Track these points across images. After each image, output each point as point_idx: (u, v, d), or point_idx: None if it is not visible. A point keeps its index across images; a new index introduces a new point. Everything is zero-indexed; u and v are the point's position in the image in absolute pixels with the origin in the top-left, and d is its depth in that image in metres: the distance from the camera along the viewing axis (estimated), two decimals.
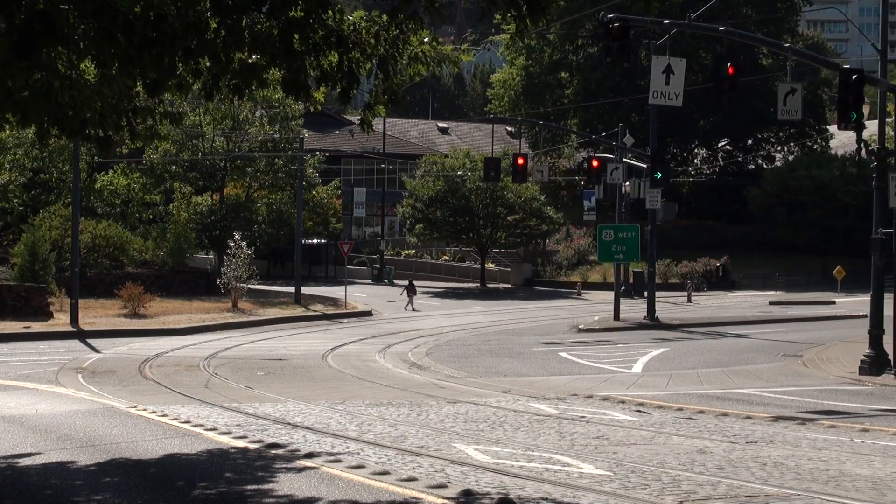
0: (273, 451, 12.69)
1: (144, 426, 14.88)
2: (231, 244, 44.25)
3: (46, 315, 37.10)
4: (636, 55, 67.99)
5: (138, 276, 45.04)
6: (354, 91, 11.92)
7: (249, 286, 44.49)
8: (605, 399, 18.74)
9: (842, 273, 54.66)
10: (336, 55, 11.56)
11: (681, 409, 17.32)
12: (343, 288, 49.09)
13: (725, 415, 16.57)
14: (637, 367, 25.73)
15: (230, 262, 43.84)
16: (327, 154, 66.70)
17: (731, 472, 11.38)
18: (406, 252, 72.55)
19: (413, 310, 47.20)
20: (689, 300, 52.57)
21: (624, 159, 45.02)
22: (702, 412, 16.95)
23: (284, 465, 11.72)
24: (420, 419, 15.78)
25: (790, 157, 77.12)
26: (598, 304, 49.45)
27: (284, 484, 10.71)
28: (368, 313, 45.01)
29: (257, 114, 57.21)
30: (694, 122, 77.52)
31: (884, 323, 24.22)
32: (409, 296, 48.78)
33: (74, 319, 35.03)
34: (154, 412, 16.28)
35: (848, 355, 26.46)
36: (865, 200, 45.04)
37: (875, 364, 23.59)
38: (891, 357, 23.73)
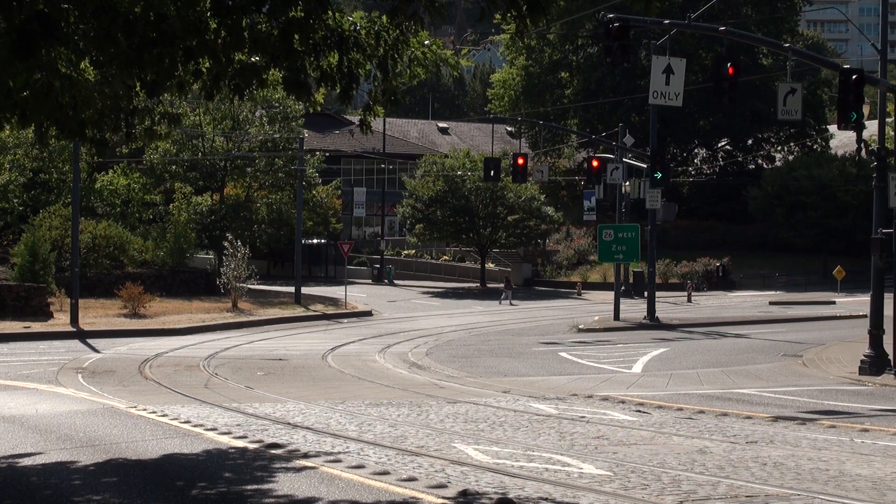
0: (273, 451, 12.69)
1: (144, 426, 14.88)
2: (226, 244, 44.19)
3: (46, 315, 37.10)
4: (636, 55, 68.08)
5: (138, 276, 45.05)
6: (354, 91, 11.92)
7: (249, 286, 44.48)
8: (605, 399, 18.74)
9: (842, 273, 54.68)
10: (336, 55, 11.56)
11: (681, 409, 17.32)
12: (343, 288, 49.10)
13: (725, 415, 16.57)
14: (637, 367, 25.72)
15: (229, 262, 43.83)
16: (327, 154, 66.71)
17: (731, 472, 11.38)
18: (406, 252, 72.54)
19: (511, 304, 51.22)
20: (689, 300, 52.59)
21: (624, 159, 45.05)
22: (702, 412, 16.95)
23: (284, 465, 11.72)
24: (420, 419, 15.78)
25: (790, 157, 77.11)
26: (598, 304, 49.46)
27: (284, 484, 10.71)
28: (368, 313, 45.01)
29: (257, 114, 57.22)
30: (694, 122, 77.55)
31: (884, 323, 24.22)
32: (506, 290, 53.41)
33: (74, 319, 35.02)
34: (154, 412, 16.28)
35: (848, 355, 26.47)
36: (865, 200, 45.20)
37: (875, 364, 23.59)
38: (891, 357, 23.74)
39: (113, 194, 57.30)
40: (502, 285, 56.48)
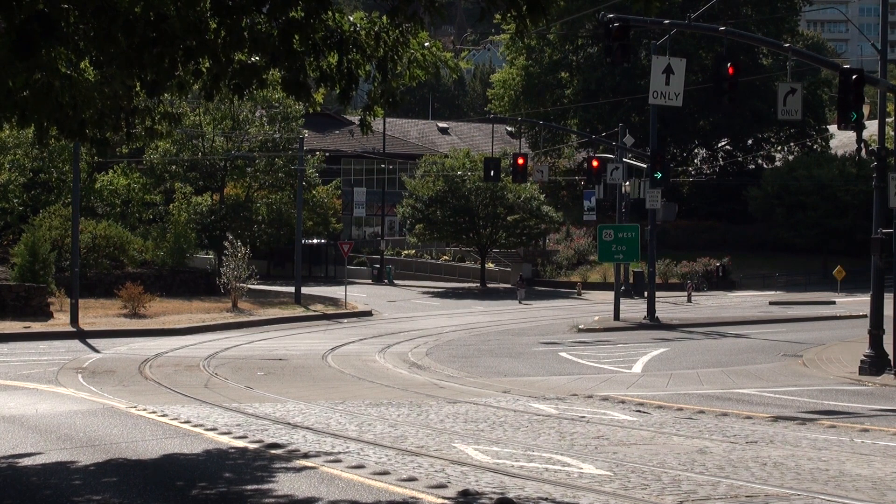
0: (273, 451, 12.69)
1: (144, 426, 14.88)
2: (226, 244, 44.19)
3: (46, 315, 37.10)
4: (636, 55, 68.08)
5: (138, 276, 45.04)
6: (353, 92, 11.92)
7: (249, 286, 44.47)
8: (605, 399, 18.74)
9: (842, 273, 54.68)
10: (336, 56, 11.56)
11: (681, 409, 17.32)
12: (343, 288, 49.10)
13: (725, 415, 16.57)
14: (637, 367, 25.72)
15: (229, 262, 43.82)
16: (327, 154, 66.69)
17: (731, 472, 11.38)
18: (406, 252, 72.54)
19: (515, 302, 51.81)
20: (689, 300, 52.59)
21: (624, 159, 45.05)
22: (702, 412, 16.95)
23: (284, 465, 11.72)
24: (420, 419, 15.78)
25: (790, 157, 77.14)
26: (598, 304, 49.46)
27: (284, 484, 10.71)
28: (368, 313, 45.01)
29: (257, 114, 57.21)
30: (694, 122, 77.57)
31: (884, 323, 24.22)
32: (520, 289, 54.09)
33: (74, 319, 35.02)
34: (154, 412, 16.28)
35: (848, 355, 26.47)
36: (865, 200, 45.21)
37: (875, 364, 23.59)
38: (891, 357, 23.74)
39: (113, 194, 57.28)
40: (513, 285, 57.06)
